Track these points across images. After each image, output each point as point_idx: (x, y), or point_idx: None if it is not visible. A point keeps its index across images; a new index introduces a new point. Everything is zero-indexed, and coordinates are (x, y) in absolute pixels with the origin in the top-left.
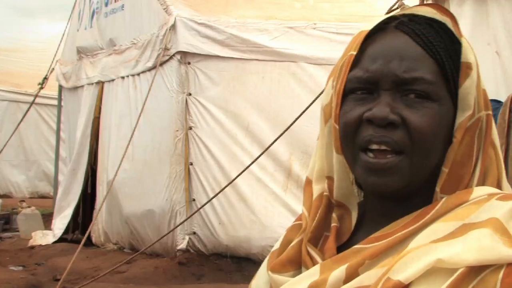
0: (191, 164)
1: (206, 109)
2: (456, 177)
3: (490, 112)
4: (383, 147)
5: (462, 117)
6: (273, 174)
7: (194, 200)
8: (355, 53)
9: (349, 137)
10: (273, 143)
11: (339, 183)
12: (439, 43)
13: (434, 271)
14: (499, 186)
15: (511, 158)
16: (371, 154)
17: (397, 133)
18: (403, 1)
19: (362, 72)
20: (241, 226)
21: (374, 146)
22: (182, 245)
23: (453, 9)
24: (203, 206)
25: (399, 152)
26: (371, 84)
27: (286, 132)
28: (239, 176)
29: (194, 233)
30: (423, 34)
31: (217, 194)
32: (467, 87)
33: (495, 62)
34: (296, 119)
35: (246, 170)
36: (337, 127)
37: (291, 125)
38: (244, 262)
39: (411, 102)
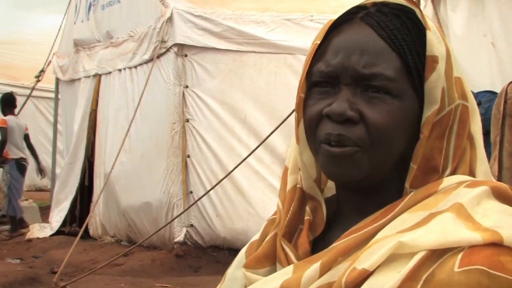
0: (188, 156)
1: (203, 101)
2: (425, 171)
3: (466, 103)
4: (340, 145)
5: (428, 112)
6: (270, 166)
7: (191, 192)
8: (319, 42)
9: (312, 132)
10: (269, 135)
11: (303, 174)
12: (405, 36)
13: (397, 257)
14: (471, 173)
15: (505, 149)
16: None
17: (355, 130)
18: None
19: (324, 66)
20: (239, 219)
21: (333, 143)
22: (180, 237)
23: (449, 0)
24: (200, 198)
25: (358, 146)
26: (332, 78)
27: (283, 124)
28: (236, 169)
29: (192, 225)
30: (388, 27)
31: (214, 187)
32: (433, 81)
33: (491, 54)
34: (293, 111)
35: (243, 163)
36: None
37: (287, 117)
38: None
39: (370, 98)
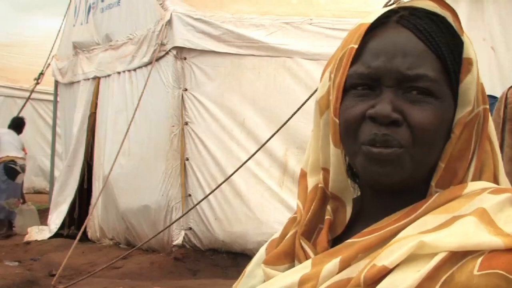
0: (187, 159)
1: (202, 104)
2: (452, 171)
3: (487, 106)
4: (386, 145)
5: (461, 113)
6: (268, 169)
7: (190, 195)
8: (356, 46)
9: (351, 134)
10: (269, 139)
11: (334, 176)
12: (441, 38)
13: (418, 256)
14: (495, 180)
15: (506, 153)
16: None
17: (400, 131)
18: None
19: (364, 67)
20: (237, 222)
21: (378, 145)
22: (178, 240)
23: None
24: (199, 202)
25: (402, 147)
26: (373, 81)
27: (281, 127)
28: (235, 172)
29: (190, 228)
30: (425, 30)
31: (213, 191)
32: (468, 83)
33: (491, 58)
34: (293, 115)
35: (242, 166)
36: (336, 121)
37: (287, 121)
38: (240, 258)
39: (413, 99)
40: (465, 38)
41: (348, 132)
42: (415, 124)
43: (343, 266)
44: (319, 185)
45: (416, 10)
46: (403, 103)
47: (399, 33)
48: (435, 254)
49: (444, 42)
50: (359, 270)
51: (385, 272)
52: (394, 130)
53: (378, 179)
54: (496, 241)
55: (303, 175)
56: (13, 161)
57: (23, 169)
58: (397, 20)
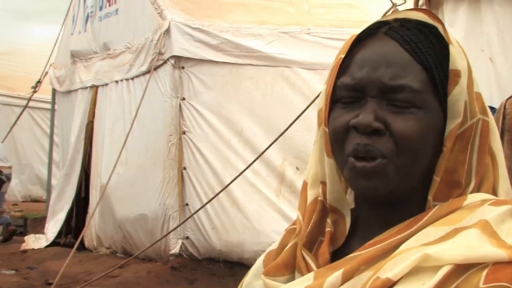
0: (185, 168)
1: (200, 113)
2: (449, 184)
3: (487, 118)
4: (368, 157)
5: (452, 125)
6: (266, 179)
7: (187, 204)
8: (343, 56)
9: (339, 143)
10: (267, 149)
11: (331, 187)
12: (428, 49)
13: (422, 269)
14: (494, 192)
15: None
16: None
17: (382, 141)
18: (397, 7)
19: (349, 79)
20: (234, 231)
21: (360, 155)
22: (175, 249)
23: (447, 15)
24: (196, 211)
25: (385, 157)
26: (357, 91)
27: (279, 137)
28: (233, 181)
29: (187, 237)
30: (412, 41)
31: (210, 200)
32: (456, 95)
33: (489, 69)
34: (290, 124)
35: (239, 176)
36: (326, 130)
37: (285, 131)
38: (237, 267)
39: (396, 109)
40: (452, 49)
41: (336, 143)
42: (398, 133)
43: (346, 278)
44: (319, 198)
45: (408, 22)
46: (386, 113)
47: (385, 44)
48: (440, 267)
49: (432, 53)
50: (362, 282)
51: (389, 285)
52: (376, 140)
53: (365, 192)
54: (500, 253)
55: (305, 187)
56: None
57: (8, 178)
58: (385, 31)
